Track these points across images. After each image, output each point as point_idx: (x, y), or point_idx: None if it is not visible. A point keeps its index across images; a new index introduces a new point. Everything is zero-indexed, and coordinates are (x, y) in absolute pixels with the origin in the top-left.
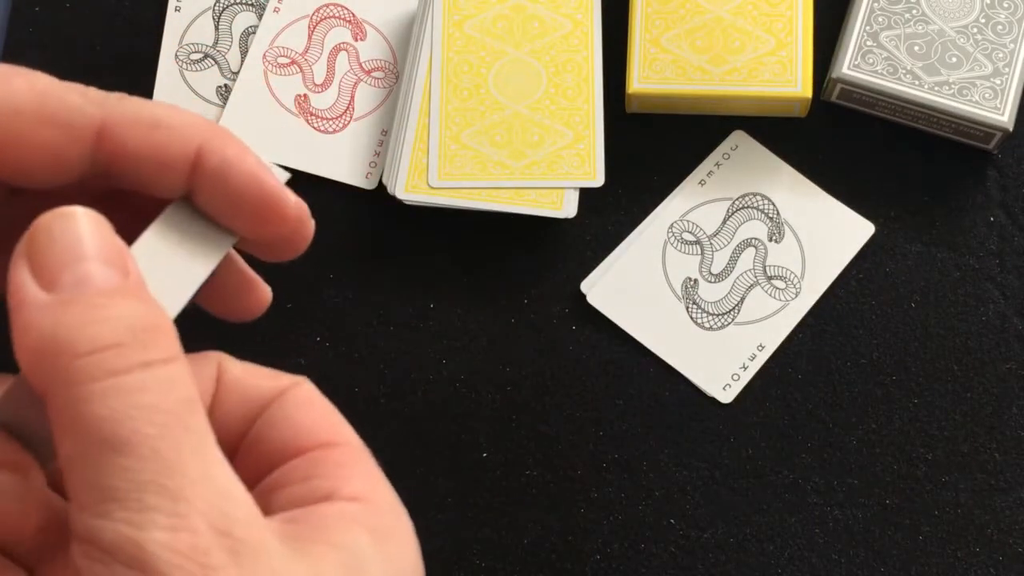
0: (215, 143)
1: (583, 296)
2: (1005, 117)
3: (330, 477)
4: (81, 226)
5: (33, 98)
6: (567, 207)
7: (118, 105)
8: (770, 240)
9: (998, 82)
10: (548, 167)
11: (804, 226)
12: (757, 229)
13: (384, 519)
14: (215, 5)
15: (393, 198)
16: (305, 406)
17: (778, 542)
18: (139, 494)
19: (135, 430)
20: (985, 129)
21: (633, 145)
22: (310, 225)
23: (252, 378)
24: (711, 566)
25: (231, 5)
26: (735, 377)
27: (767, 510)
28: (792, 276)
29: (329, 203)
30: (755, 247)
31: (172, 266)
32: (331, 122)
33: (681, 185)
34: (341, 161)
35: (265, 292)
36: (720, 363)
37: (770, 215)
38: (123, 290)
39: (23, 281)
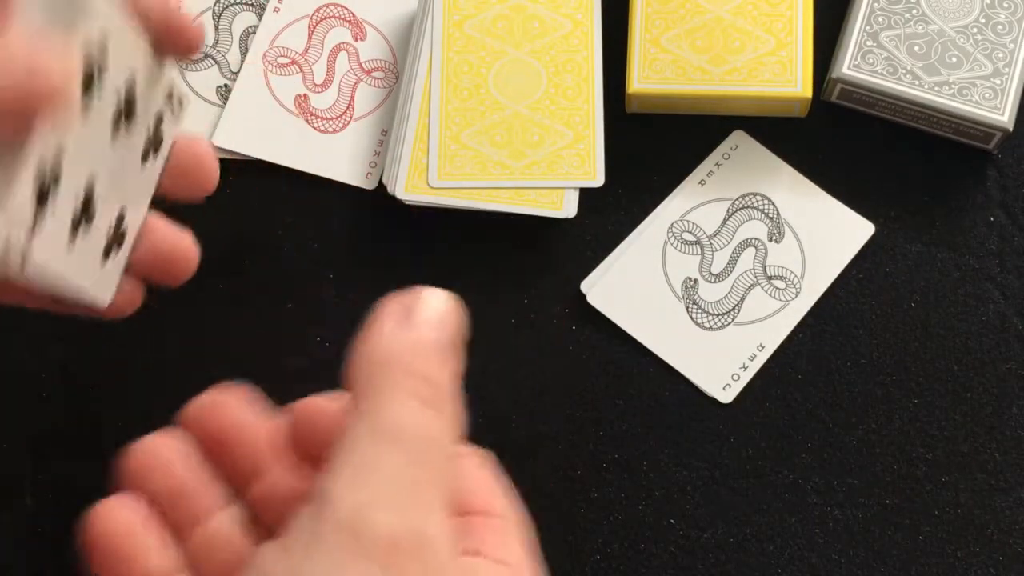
0: None
1: (583, 296)
2: (1005, 117)
3: (484, 541)
4: (442, 301)
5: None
6: (567, 207)
7: None
8: (770, 240)
9: (998, 82)
10: (548, 167)
11: (804, 226)
12: (757, 229)
13: None
14: (215, 5)
15: (393, 198)
16: (479, 473)
17: (778, 542)
18: (389, 486)
19: (416, 445)
20: (985, 129)
21: (633, 145)
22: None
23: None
24: (711, 566)
25: (231, 5)
26: (735, 377)
27: (767, 510)
28: (792, 276)
29: (329, 203)
30: (755, 247)
31: None
32: (331, 122)
33: (681, 185)
34: (341, 161)
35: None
36: (720, 363)
37: (770, 215)
38: (451, 355)
39: (389, 317)
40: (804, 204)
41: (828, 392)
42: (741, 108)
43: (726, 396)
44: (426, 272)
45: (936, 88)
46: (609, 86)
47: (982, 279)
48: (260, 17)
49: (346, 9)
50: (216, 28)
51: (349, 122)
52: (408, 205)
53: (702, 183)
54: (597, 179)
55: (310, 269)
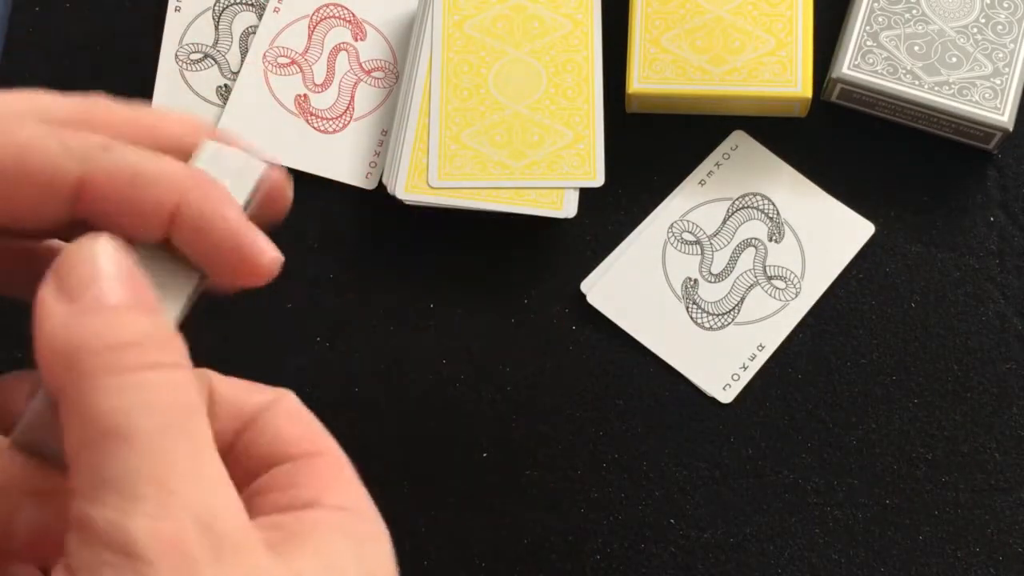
0: (194, 198)
1: (583, 296)
2: (1005, 117)
3: (312, 486)
4: (103, 251)
5: (14, 153)
6: (567, 207)
7: (99, 159)
8: (770, 240)
9: (998, 82)
10: (548, 167)
11: (804, 226)
12: (757, 229)
13: (363, 527)
14: (215, 5)
15: (393, 198)
16: (290, 417)
17: (778, 542)
18: (132, 483)
19: (137, 424)
20: (985, 129)
21: (633, 145)
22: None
23: (240, 393)
24: (711, 566)
25: (231, 5)
26: (735, 377)
27: (767, 510)
28: (792, 276)
29: (329, 203)
30: (755, 247)
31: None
32: (331, 122)
33: (681, 185)
34: (341, 161)
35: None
36: (720, 363)
37: (770, 215)
38: (137, 306)
39: (47, 296)
40: (804, 204)
41: (828, 392)
42: (741, 108)
43: (726, 396)
44: (426, 272)
45: (936, 88)
46: (609, 86)
47: (982, 279)
48: (260, 17)
49: (346, 9)
50: (216, 28)
51: (349, 122)
52: (408, 205)
53: (702, 183)
54: (597, 179)
55: (310, 269)
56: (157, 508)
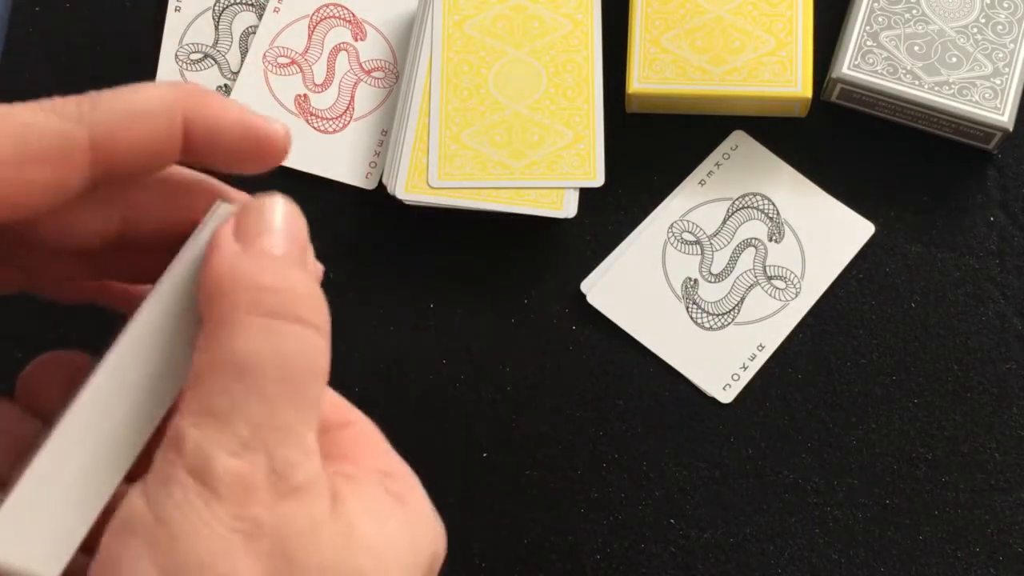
0: (195, 107)
1: (583, 296)
2: (1005, 117)
3: (350, 453)
4: (280, 209)
5: (14, 142)
6: (567, 207)
7: (95, 114)
8: (770, 240)
9: (998, 82)
10: (548, 167)
11: (804, 226)
12: (757, 229)
13: (400, 487)
14: (215, 5)
15: (393, 198)
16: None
17: (778, 542)
18: (233, 420)
19: (263, 369)
20: (985, 129)
21: (633, 145)
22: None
23: None
24: (711, 566)
25: (231, 5)
26: (735, 377)
27: (767, 510)
28: (792, 276)
29: (329, 203)
30: (755, 247)
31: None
32: (331, 122)
33: (681, 185)
34: (341, 161)
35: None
36: (720, 363)
37: (770, 215)
38: (297, 263)
39: (224, 234)
40: (804, 204)
41: (828, 392)
42: (741, 108)
43: (726, 396)
44: (426, 272)
45: (936, 88)
46: (609, 86)
47: (982, 279)
48: (260, 17)
49: (346, 9)
50: (216, 28)
51: (349, 122)
52: (408, 205)
53: (702, 183)
54: (597, 179)
55: None
56: (243, 449)
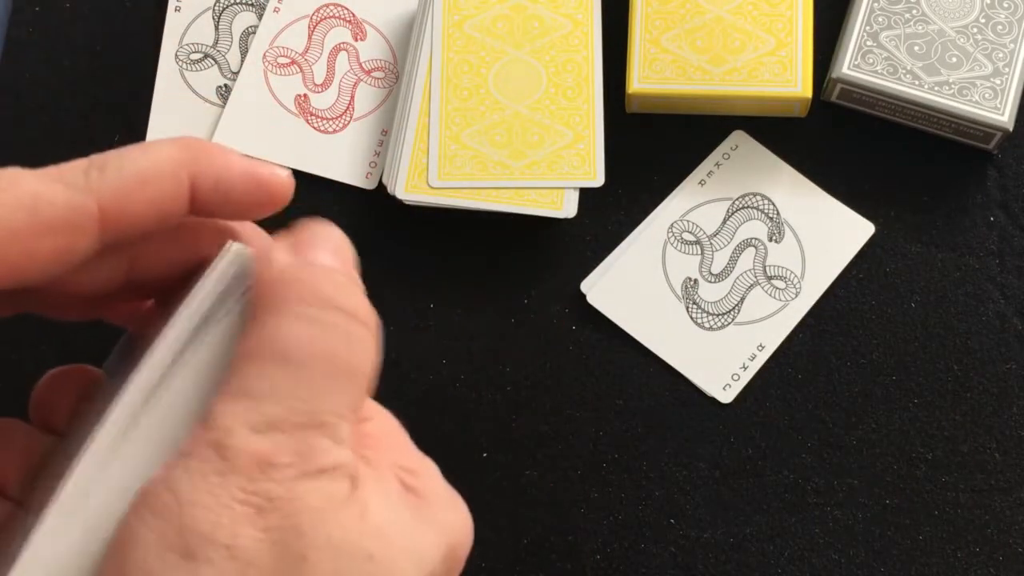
0: (201, 164)
1: (583, 296)
2: (1005, 117)
3: (378, 452)
4: (331, 234)
5: (27, 214)
6: (567, 207)
7: (102, 181)
8: (770, 240)
9: (998, 82)
10: (548, 167)
11: (804, 226)
12: (757, 229)
13: (422, 479)
14: (215, 5)
15: (393, 198)
16: None
17: (778, 542)
18: (264, 401)
19: (303, 358)
20: (985, 129)
21: (633, 145)
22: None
23: None
24: (711, 566)
25: (231, 5)
26: (735, 377)
27: (767, 510)
28: (792, 276)
29: (329, 203)
30: (755, 247)
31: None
32: (331, 122)
33: (681, 185)
34: (341, 161)
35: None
36: (720, 363)
37: (770, 215)
38: (350, 278)
39: (279, 250)
40: (804, 204)
41: (828, 392)
42: (741, 108)
43: (726, 396)
44: (426, 272)
45: (936, 88)
46: (609, 86)
47: (982, 279)
48: (260, 17)
49: (346, 9)
50: (216, 28)
51: (349, 122)
52: (408, 205)
53: (702, 183)
54: (597, 179)
55: None
56: (268, 428)
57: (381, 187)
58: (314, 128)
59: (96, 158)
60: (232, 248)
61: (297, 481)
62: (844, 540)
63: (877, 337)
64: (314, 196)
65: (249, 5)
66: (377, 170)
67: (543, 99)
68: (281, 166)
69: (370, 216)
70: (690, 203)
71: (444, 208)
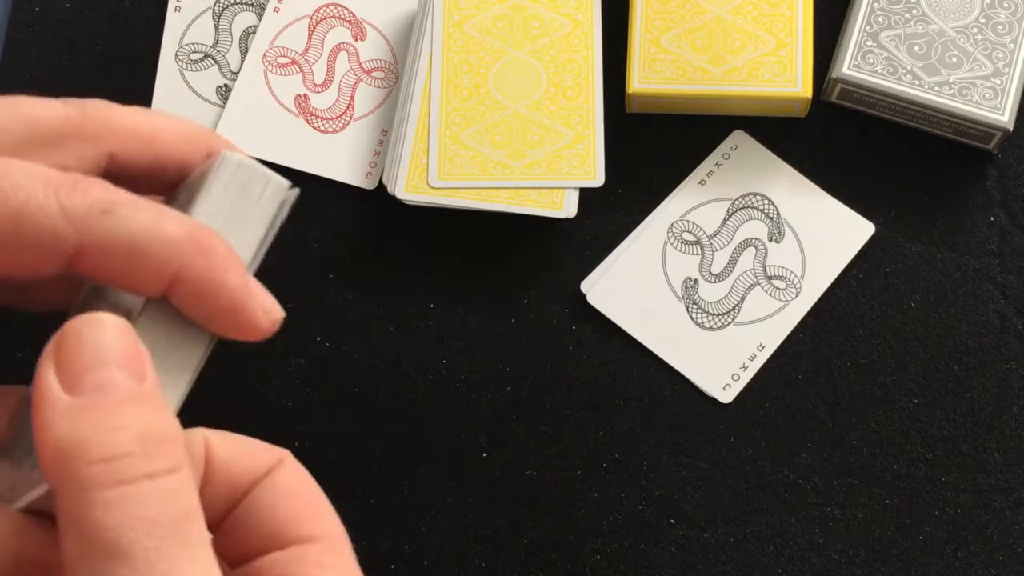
0: (195, 267)
1: (583, 296)
2: (1005, 117)
3: None
4: (107, 333)
5: (10, 216)
6: (567, 207)
7: (97, 225)
8: (770, 240)
9: (998, 82)
10: (548, 167)
11: (804, 226)
12: (757, 229)
13: None
14: (215, 5)
15: (393, 198)
16: (287, 493)
17: (778, 542)
18: None
19: (135, 540)
20: (985, 129)
21: (633, 145)
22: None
23: (237, 457)
24: (711, 566)
25: (231, 5)
26: (735, 377)
27: (767, 510)
28: (792, 276)
29: (329, 203)
30: (755, 247)
31: (165, 359)
32: (331, 122)
33: (681, 185)
34: (341, 161)
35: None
36: (720, 363)
37: (770, 215)
38: (138, 397)
39: (49, 381)
40: (804, 204)
41: (828, 392)
42: (741, 108)
43: (726, 396)
44: (426, 272)
45: (936, 88)
46: (609, 86)
47: (982, 279)
48: (260, 17)
49: (346, 9)
50: (216, 28)
51: (349, 122)
52: (408, 205)
53: (702, 183)
54: (597, 179)
55: (310, 269)
56: None
57: (381, 187)
58: (314, 128)
59: (108, 195)
60: (226, 164)
61: None
62: (844, 540)
63: (877, 337)
64: (314, 196)
65: (249, 5)
66: (377, 170)
67: (543, 99)
68: (276, 307)
69: (370, 216)
70: (690, 203)
71: (444, 208)
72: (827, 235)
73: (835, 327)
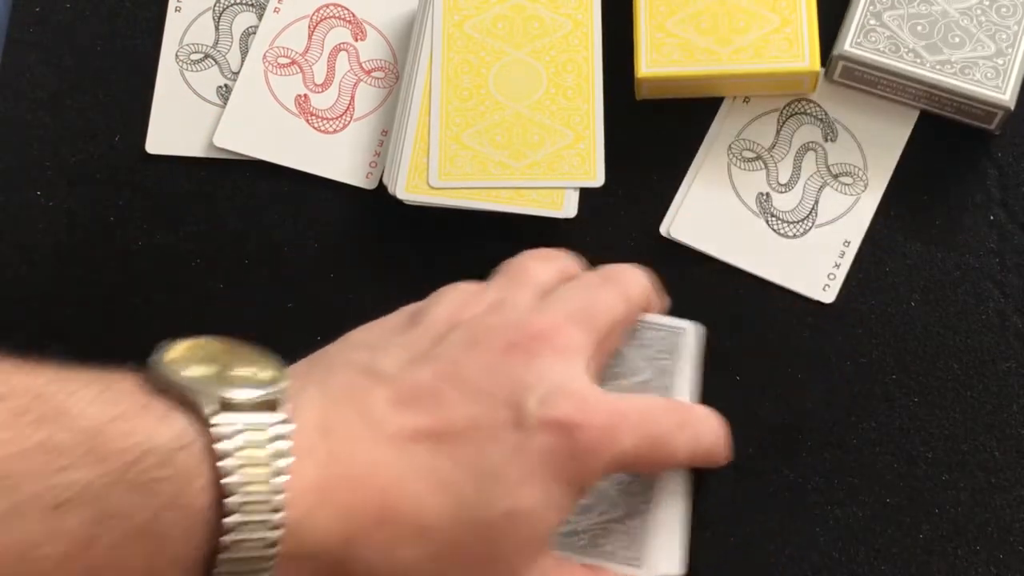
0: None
1: None
2: (1007, 96)
3: None
4: None
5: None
6: (567, 207)
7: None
8: (826, 140)
9: (1000, 62)
10: (548, 167)
11: (854, 122)
12: (811, 133)
13: None
14: (215, 5)
15: (393, 198)
16: None
17: (778, 542)
18: None
19: None
20: (987, 108)
21: (635, 144)
22: None
23: None
24: (711, 566)
25: (231, 5)
26: (831, 276)
27: (767, 510)
28: (857, 170)
29: (329, 203)
30: (814, 150)
31: None
32: (331, 122)
33: (723, 107)
34: (341, 161)
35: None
36: (813, 266)
37: (819, 117)
38: None
39: None
40: (845, 101)
41: (828, 392)
42: (750, 87)
43: (828, 296)
44: (426, 272)
45: (938, 66)
46: (613, 82)
47: (982, 278)
48: (260, 17)
49: (346, 9)
50: (216, 28)
51: (349, 122)
52: (408, 205)
53: (746, 100)
54: (597, 179)
55: (310, 269)
56: None
57: (381, 187)
58: (314, 128)
59: None
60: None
61: None
62: (844, 539)
63: (877, 337)
64: (314, 196)
65: (249, 5)
66: (377, 170)
67: (543, 99)
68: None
69: (370, 216)
70: (740, 122)
71: (444, 208)
72: (877, 127)
73: (835, 327)
